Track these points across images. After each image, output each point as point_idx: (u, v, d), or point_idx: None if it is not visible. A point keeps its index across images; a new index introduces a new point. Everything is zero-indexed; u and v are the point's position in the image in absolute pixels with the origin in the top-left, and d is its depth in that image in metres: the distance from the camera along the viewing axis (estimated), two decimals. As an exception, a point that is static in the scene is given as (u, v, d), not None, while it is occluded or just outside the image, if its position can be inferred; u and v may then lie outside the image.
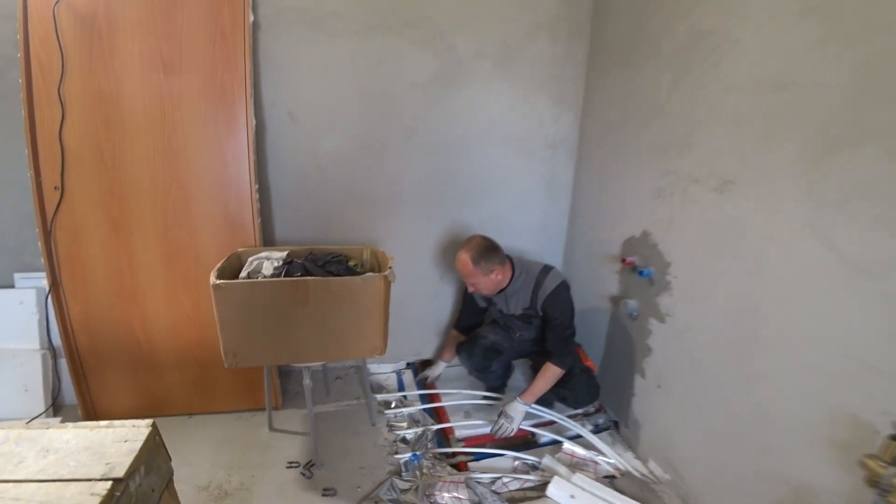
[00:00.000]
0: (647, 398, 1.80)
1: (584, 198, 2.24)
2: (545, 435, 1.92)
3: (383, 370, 2.41)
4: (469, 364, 2.07)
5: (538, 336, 1.97)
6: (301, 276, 1.52)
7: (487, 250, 1.78)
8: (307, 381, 1.61)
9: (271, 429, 1.88)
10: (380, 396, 2.15)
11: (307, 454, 1.75)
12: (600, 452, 1.81)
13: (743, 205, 1.38)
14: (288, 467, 1.69)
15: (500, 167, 2.20)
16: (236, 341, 1.47)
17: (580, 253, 2.27)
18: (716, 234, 1.47)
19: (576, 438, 1.93)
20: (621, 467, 1.75)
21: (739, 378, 1.41)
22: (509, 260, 1.87)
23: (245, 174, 1.81)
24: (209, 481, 1.63)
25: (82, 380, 1.87)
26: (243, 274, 1.61)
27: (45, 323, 1.93)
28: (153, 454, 0.92)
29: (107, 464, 0.84)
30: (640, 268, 1.76)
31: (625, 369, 1.92)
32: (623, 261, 1.83)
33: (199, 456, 1.74)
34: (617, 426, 2.01)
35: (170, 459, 1.00)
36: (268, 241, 2.04)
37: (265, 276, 1.56)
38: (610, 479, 1.72)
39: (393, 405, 2.10)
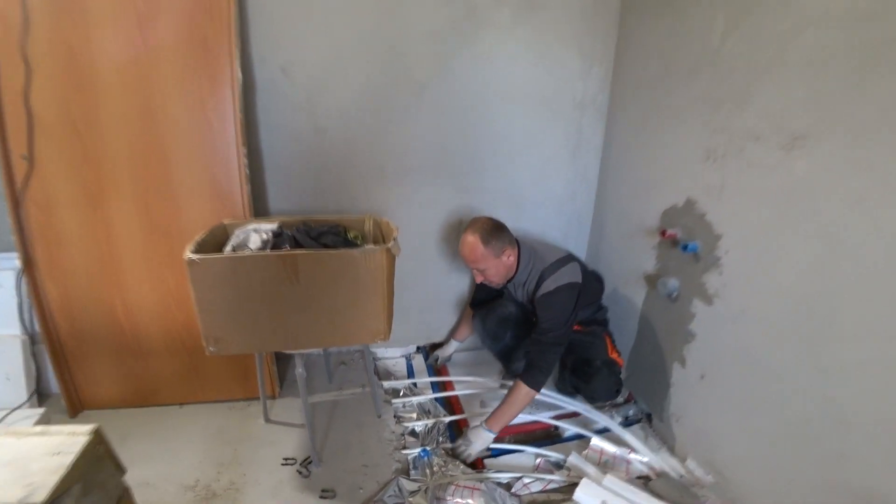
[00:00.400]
0: (688, 390, 1.59)
1: (615, 163, 1.98)
2: (569, 428, 1.72)
3: (391, 355, 2.23)
4: (482, 331, 1.87)
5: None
6: (290, 249, 1.32)
7: (496, 229, 1.57)
8: (300, 370, 1.43)
9: (267, 420, 1.72)
10: (387, 384, 1.97)
11: (305, 450, 1.59)
12: (633, 449, 1.61)
13: (819, 164, 1.13)
14: (283, 464, 1.53)
15: (520, 129, 1.95)
16: (218, 325, 1.29)
17: (611, 226, 2.03)
18: (781, 201, 1.23)
19: (603, 432, 1.73)
20: (657, 466, 1.55)
21: (807, 373, 1.18)
22: (517, 242, 1.66)
23: (231, 137, 1.60)
24: (196, 480, 1.48)
25: (64, 368, 1.72)
26: (228, 248, 1.42)
27: (24, 306, 1.78)
28: (94, 468, 0.74)
29: (28, 484, 0.66)
30: (684, 242, 1.52)
31: (660, 357, 1.70)
32: (662, 234, 1.59)
33: (187, 451, 1.59)
34: (650, 419, 1.80)
35: (122, 472, 0.82)
36: (260, 212, 1.85)
37: (252, 251, 1.37)
38: (644, 481, 1.52)
39: (401, 394, 1.92)
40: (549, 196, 2.08)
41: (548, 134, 1.98)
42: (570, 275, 1.57)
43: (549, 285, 1.56)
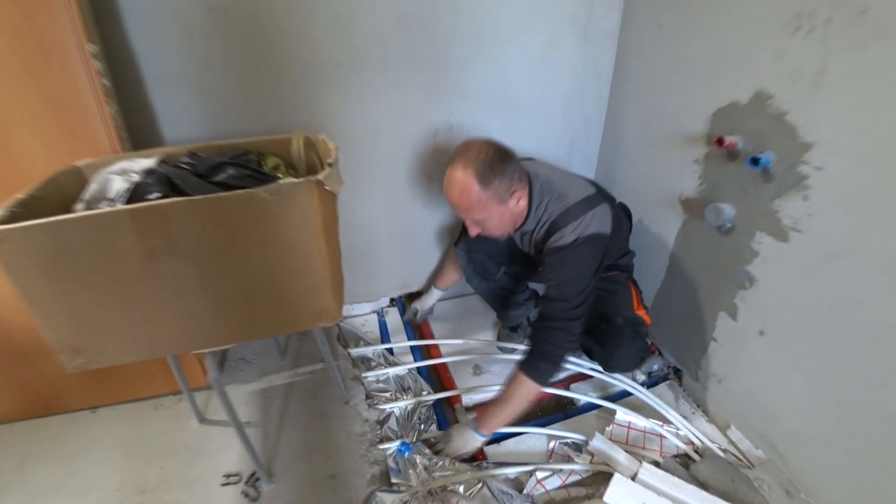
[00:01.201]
0: (739, 347, 1.24)
1: (641, 47, 1.45)
2: (582, 398, 1.39)
3: (360, 312, 1.82)
4: (467, 266, 1.47)
5: None
6: (159, 197, 0.82)
7: (499, 159, 1.06)
8: (213, 375, 0.99)
9: (201, 420, 1.33)
10: (354, 352, 1.58)
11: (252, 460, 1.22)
12: (666, 421, 1.30)
13: None
14: (224, 484, 1.17)
15: (511, 3, 1.38)
16: (68, 331, 0.83)
17: (631, 134, 1.55)
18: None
19: (623, 397, 1.42)
20: (698, 442, 1.26)
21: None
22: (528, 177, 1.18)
23: (66, 30, 1.00)
24: (110, 516, 1.11)
25: None
26: (80, 205, 0.91)
27: None
28: None
29: None
30: (752, 154, 1.08)
31: (699, 304, 1.34)
32: (718, 142, 1.13)
33: (102, 474, 1.21)
34: (679, 376, 1.49)
35: None
36: (149, 143, 1.29)
37: (110, 206, 0.87)
38: (682, 460, 1.23)
39: (373, 364, 1.54)
40: (549, 97, 1.56)
41: (546, 9, 1.42)
42: (597, 223, 1.12)
43: (564, 236, 1.10)
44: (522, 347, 1.53)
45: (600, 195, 1.18)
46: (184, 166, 0.90)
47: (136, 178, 0.90)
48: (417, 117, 1.47)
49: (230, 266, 0.83)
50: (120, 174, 0.96)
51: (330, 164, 0.85)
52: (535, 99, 1.55)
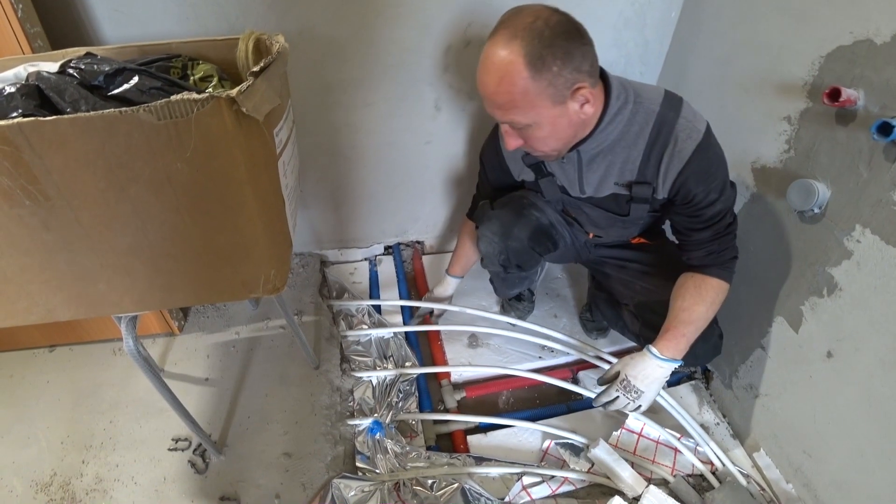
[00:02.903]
0: (793, 363, 0.99)
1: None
2: (585, 392, 1.18)
3: (348, 258, 1.62)
4: (500, 255, 1.09)
5: (638, 253, 1.10)
6: (23, 116, 0.58)
7: (565, 36, 0.71)
8: (128, 344, 0.80)
9: (161, 372, 1.20)
10: (337, 305, 1.40)
11: (207, 422, 1.09)
12: (684, 433, 1.10)
13: None
14: (172, 449, 1.05)
15: None
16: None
17: (701, 73, 1.19)
18: None
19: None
20: (718, 463, 1.06)
21: None
22: (602, 75, 0.83)
23: None
24: (53, 473, 1.01)
25: None
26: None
27: None
28: None
29: None
30: (878, 115, 0.76)
31: (752, 302, 1.08)
32: (830, 95, 0.80)
33: (48, 423, 1.10)
34: (707, 377, 1.27)
35: None
36: (79, 43, 1.02)
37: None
38: (697, 482, 1.05)
39: (355, 322, 1.36)
40: (601, 12, 1.20)
41: None
42: (698, 116, 0.84)
43: (693, 128, 0.82)
44: (528, 325, 1.31)
45: (677, 98, 0.86)
46: (71, 73, 0.65)
47: (10, 90, 0.66)
48: (425, 24, 1.14)
49: (119, 217, 0.60)
50: (10, 84, 0.73)
51: (255, 74, 0.59)
52: (582, 13, 1.17)
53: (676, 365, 0.92)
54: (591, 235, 1.11)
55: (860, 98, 0.81)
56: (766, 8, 0.97)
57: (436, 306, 1.34)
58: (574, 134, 0.83)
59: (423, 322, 1.37)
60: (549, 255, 1.16)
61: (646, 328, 1.03)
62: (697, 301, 0.90)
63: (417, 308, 1.39)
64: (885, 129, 0.73)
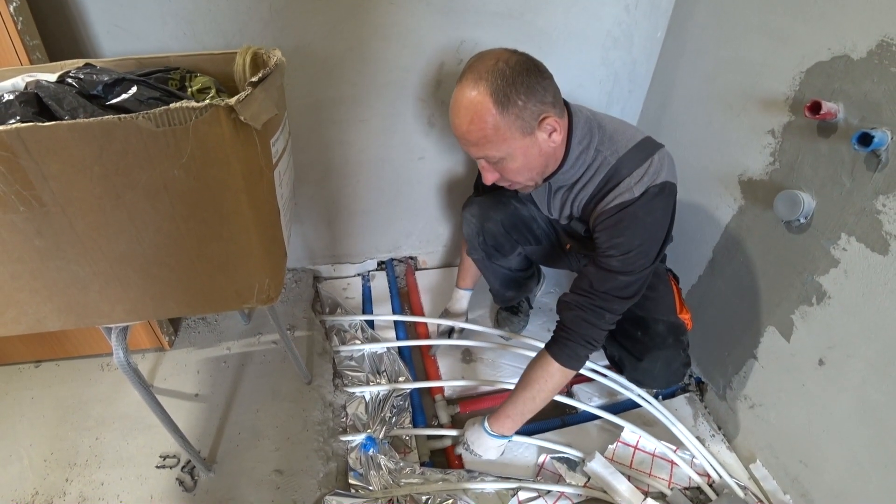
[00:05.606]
0: (786, 372, 1.00)
1: (713, -26, 1.11)
2: (587, 408, 1.18)
3: (342, 274, 1.62)
4: (477, 237, 1.16)
5: None
6: (20, 122, 0.58)
7: (526, 72, 0.77)
8: (118, 355, 0.79)
9: (150, 387, 1.17)
10: (330, 319, 1.39)
11: (196, 439, 1.07)
12: (680, 444, 1.10)
13: None
14: (160, 466, 1.02)
15: None
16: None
17: (687, 89, 1.23)
18: None
19: (633, 408, 1.21)
20: (714, 475, 1.05)
21: None
22: (566, 107, 0.88)
23: None
24: (35, 492, 0.98)
25: None
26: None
27: None
28: None
29: None
30: (860, 128, 0.78)
31: (744, 312, 1.09)
32: (811, 108, 0.83)
33: (31, 440, 1.07)
34: (702, 389, 1.27)
35: None
36: (77, 55, 1.04)
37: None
38: (695, 494, 1.04)
39: (347, 337, 1.35)
40: (589, 32, 1.24)
41: None
42: (667, 169, 0.85)
43: (631, 186, 0.83)
44: (527, 340, 1.31)
45: (654, 140, 0.89)
46: (70, 82, 0.66)
47: (8, 97, 0.67)
48: (419, 42, 1.17)
49: (114, 224, 0.60)
50: (9, 92, 0.73)
51: (253, 84, 0.60)
52: (572, 33, 1.23)
53: (507, 440, 1.03)
54: (568, 247, 1.14)
55: (840, 111, 0.84)
56: (747, 27, 1.01)
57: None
58: (545, 164, 0.87)
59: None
60: (534, 253, 1.21)
61: (618, 344, 1.10)
62: (534, 387, 0.95)
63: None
64: (864, 139, 0.76)
